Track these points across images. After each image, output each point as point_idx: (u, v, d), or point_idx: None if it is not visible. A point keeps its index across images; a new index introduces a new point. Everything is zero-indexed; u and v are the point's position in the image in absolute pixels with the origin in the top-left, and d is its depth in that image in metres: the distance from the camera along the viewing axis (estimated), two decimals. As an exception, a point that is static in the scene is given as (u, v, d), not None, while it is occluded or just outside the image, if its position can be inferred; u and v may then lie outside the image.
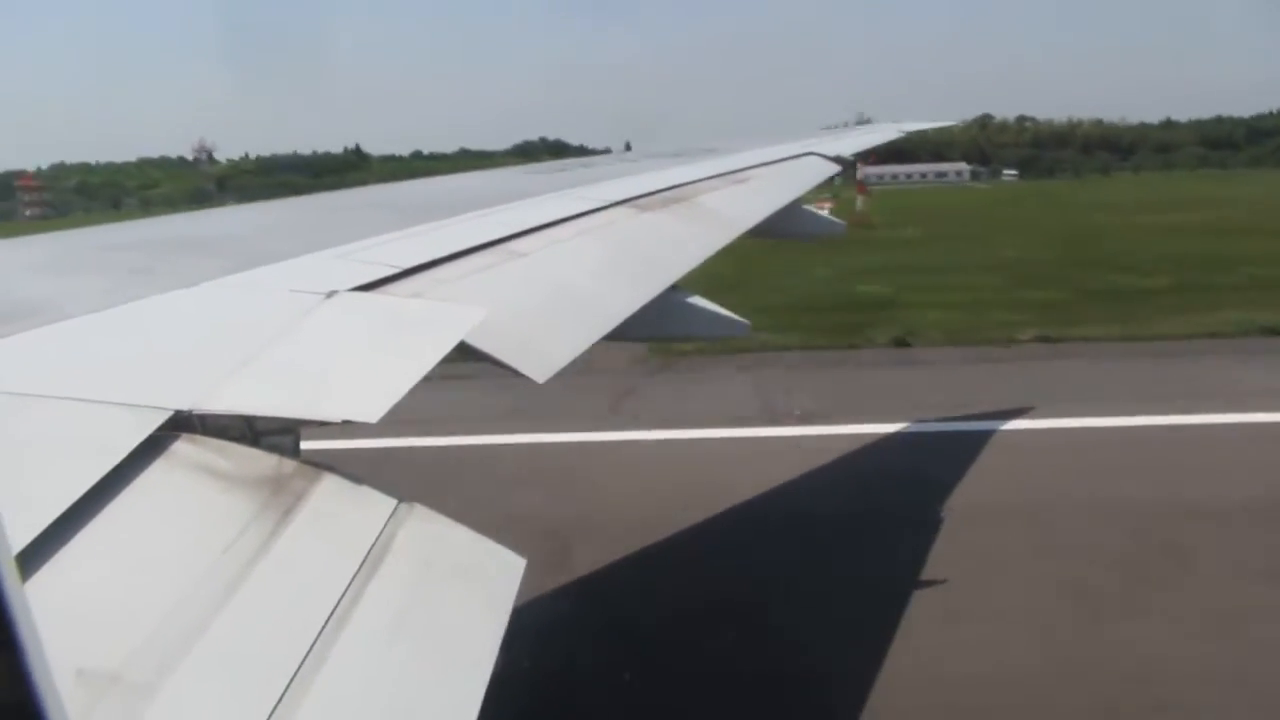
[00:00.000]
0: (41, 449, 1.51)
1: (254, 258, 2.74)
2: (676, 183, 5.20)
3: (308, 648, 1.37)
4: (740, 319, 4.41)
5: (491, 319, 2.55)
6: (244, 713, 1.25)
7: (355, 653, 1.41)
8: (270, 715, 1.24)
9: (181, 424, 1.66)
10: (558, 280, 3.26)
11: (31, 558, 1.25)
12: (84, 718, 1.12)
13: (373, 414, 1.81)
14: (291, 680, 1.31)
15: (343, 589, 1.50)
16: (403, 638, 1.51)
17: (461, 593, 1.70)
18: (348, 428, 1.79)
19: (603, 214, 4.19)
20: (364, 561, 1.57)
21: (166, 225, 3.97)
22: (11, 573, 0.76)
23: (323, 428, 1.79)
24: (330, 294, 2.40)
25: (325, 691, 1.32)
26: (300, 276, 2.57)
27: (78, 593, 1.28)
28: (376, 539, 1.62)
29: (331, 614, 1.44)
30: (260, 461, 1.67)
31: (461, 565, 1.74)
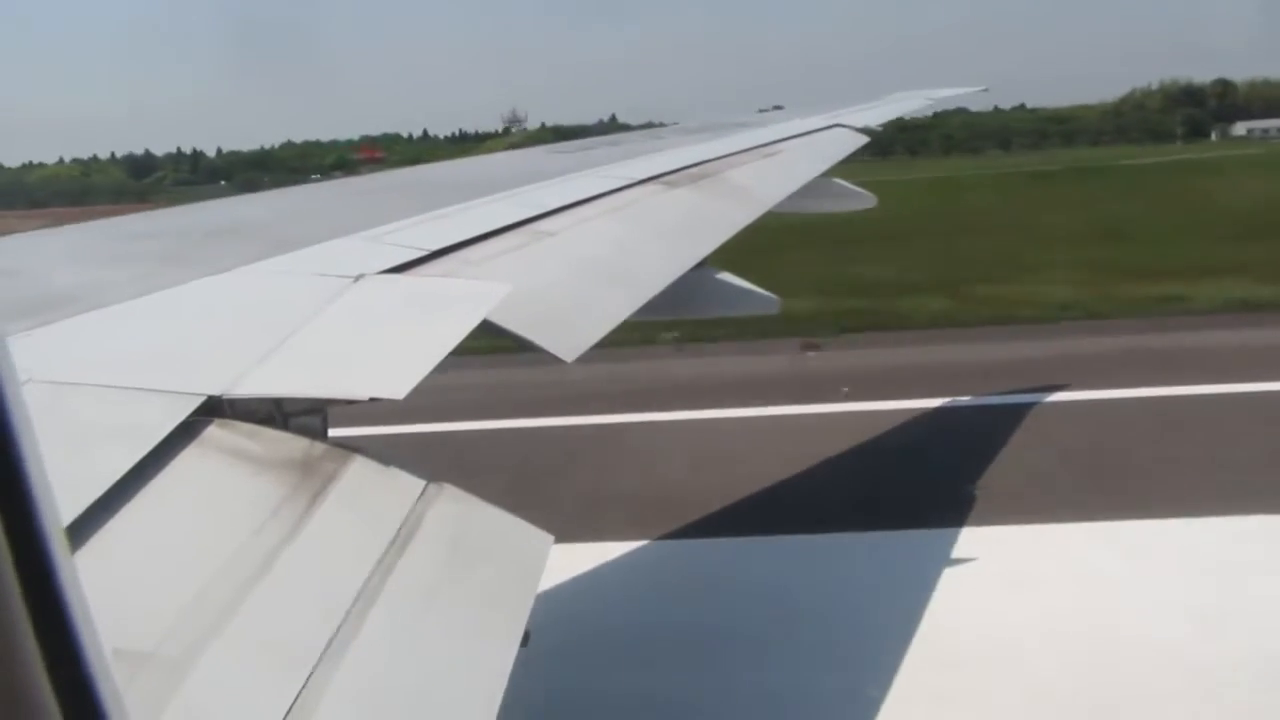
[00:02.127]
0: (78, 436, 1.54)
1: (284, 243, 2.76)
2: (703, 158, 5.16)
3: (338, 625, 1.39)
4: (769, 294, 4.38)
5: (518, 298, 2.55)
6: (276, 690, 1.27)
7: (385, 630, 1.43)
8: (300, 692, 1.26)
9: (214, 409, 1.69)
10: (585, 259, 3.26)
11: (69, 541, 1.28)
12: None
13: (399, 390, 1.82)
14: (321, 657, 1.33)
15: (372, 568, 1.52)
16: (431, 615, 1.53)
17: (490, 571, 1.72)
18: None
19: (630, 192, 4.18)
20: (393, 541, 1.59)
21: (198, 212, 4.02)
22: (65, 556, 0.77)
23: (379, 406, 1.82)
24: (359, 277, 2.42)
25: (355, 668, 1.34)
26: (329, 261, 2.59)
27: (114, 574, 1.31)
28: (406, 519, 1.64)
29: (361, 592, 1.46)
30: (290, 445, 1.69)
31: (490, 544, 1.76)
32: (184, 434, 1.58)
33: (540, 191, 3.99)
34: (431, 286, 2.51)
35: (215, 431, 1.64)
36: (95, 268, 2.60)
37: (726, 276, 4.18)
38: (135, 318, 2.08)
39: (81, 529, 1.31)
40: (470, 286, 2.55)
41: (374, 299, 2.34)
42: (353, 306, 2.25)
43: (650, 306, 3.05)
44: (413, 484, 1.74)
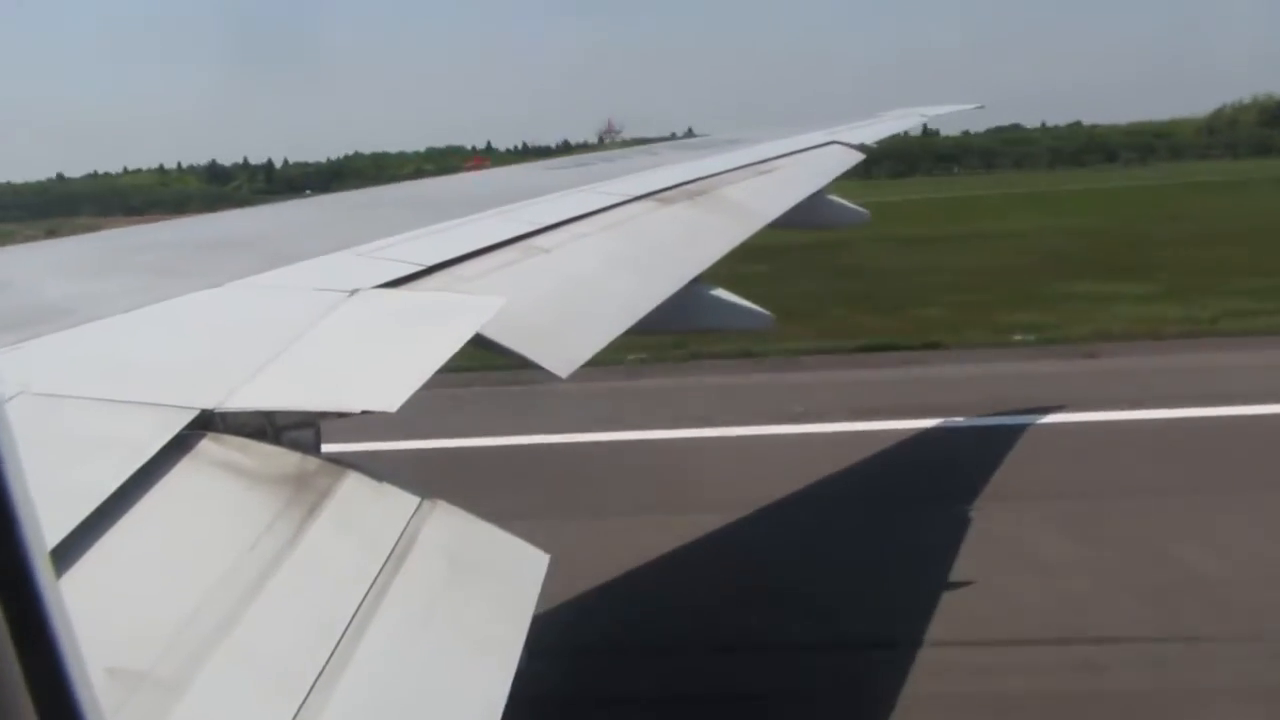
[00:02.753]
0: (70, 449, 1.54)
1: (278, 257, 2.77)
2: (699, 175, 5.18)
3: (334, 644, 1.38)
4: (763, 311, 4.39)
5: (513, 314, 2.55)
6: (271, 710, 1.26)
7: (380, 648, 1.42)
8: (297, 712, 1.25)
9: (208, 423, 1.68)
10: (580, 276, 3.26)
11: (60, 557, 1.27)
12: (114, 716, 1.14)
13: (391, 404, 1.82)
14: (318, 677, 1.32)
15: (368, 585, 1.51)
16: (428, 633, 1.52)
17: (486, 588, 1.71)
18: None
19: (625, 209, 4.19)
20: (388, 558, 1.58)
21: (194, 226, 4.02)
22: (48, 575, 0.77)
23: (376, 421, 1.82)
24: (353, 292, 2.42)
25: (351, 688, 1.33)
26: (323, 275, 2.59)
27: (106, 591, 1.30)
28: (400, 535, 1.63)
29: (357, 610, 1.45)
30: (284, 459, 1.68)
31: (485, 561, 1.75)
32: (177, 448, 1.57)
33: (536, 207, 4.00)
34: (425, 300, 2.52)
35: (208, 445, 1.63)
36: (89, 280, 2.60)
37: (721, 292, 4.19)
38: (128, 331, 2.07)
39: (73, 544, 1.30)
40: (463, 300, 2.56)
41: (367, 313, 2.34)
42: (346, 321, 2.25)
43: (645, 322, 3.06)
44: (407, 500, 1.73)
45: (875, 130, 8.58)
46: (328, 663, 1.34)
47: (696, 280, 3.78)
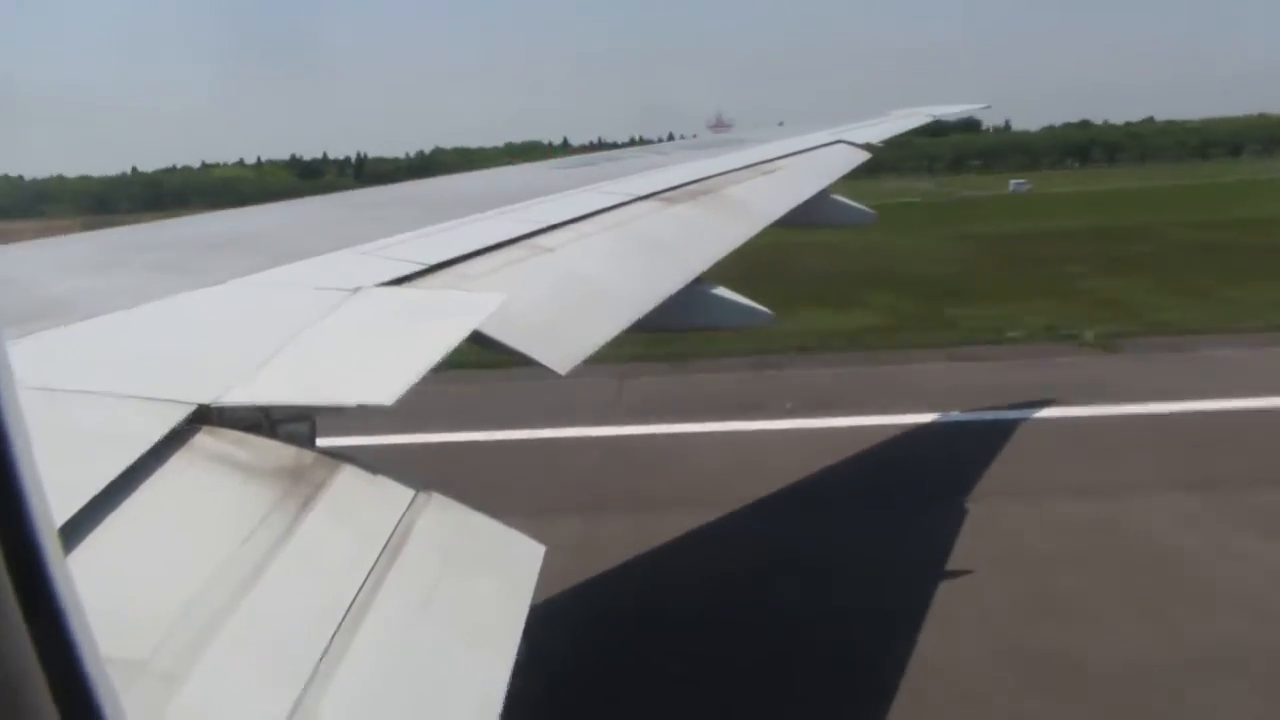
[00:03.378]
0: (67, 443, 1.55)
1: (281, 255, 2.78)
2: (704, 175, 5.19)
3: (330, 636, 1.38)
4: (764, 309, 4.39)
5: (513, 312, 2.56)
6: (268, 700, 1.27)
7: (377, 641, 1.42)
8: (295, 703, 1.26)
9: (205, 417, 1.70)
10: (582, 274, 3.27)
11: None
12: None
13: (386, 398, 1.83)
14: (315, 669, 1.32)
15: (363, 577, 1.51)
16: (424, 625, 1.52)
17: (482, 580, 1.71)
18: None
19: (630, 208, 4.20)
20: (384, 550, 1.58)
21: (196, 224, 4.04)
22: (59, 559, 0.78)
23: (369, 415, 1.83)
24: (355, 290, 2.43)
25: (348, 679, 1.33)
26: (326, 274, 2.61)
27: (102, 583, 1.30)
28: (396, 527, 1.64)
29: (353, 602, 1.46)
30: (279, 453, 1.69)
31: (481, 553, 1.75)
32: (173, 442, 1.59)
33: (541, 207, 4.01)
34: (424, 297, 2.52)
35: (204, 439, 1.64)
36: (91, 277, 2.62)
37: (722, 291, 4.19)
38: (129, 327, 2.09)
39: (69, 535, 1.31)
40: (463, 297, 2.56)
41: (367, 311, 2.35)
42: (345, 318, 2.26)
43: (646, 320, 3.06)
44: (402, 492, 1.74)
45: (881, 130, 8.57)
46: (324, 655, 1.35)
47: (698, 279, 3.78)
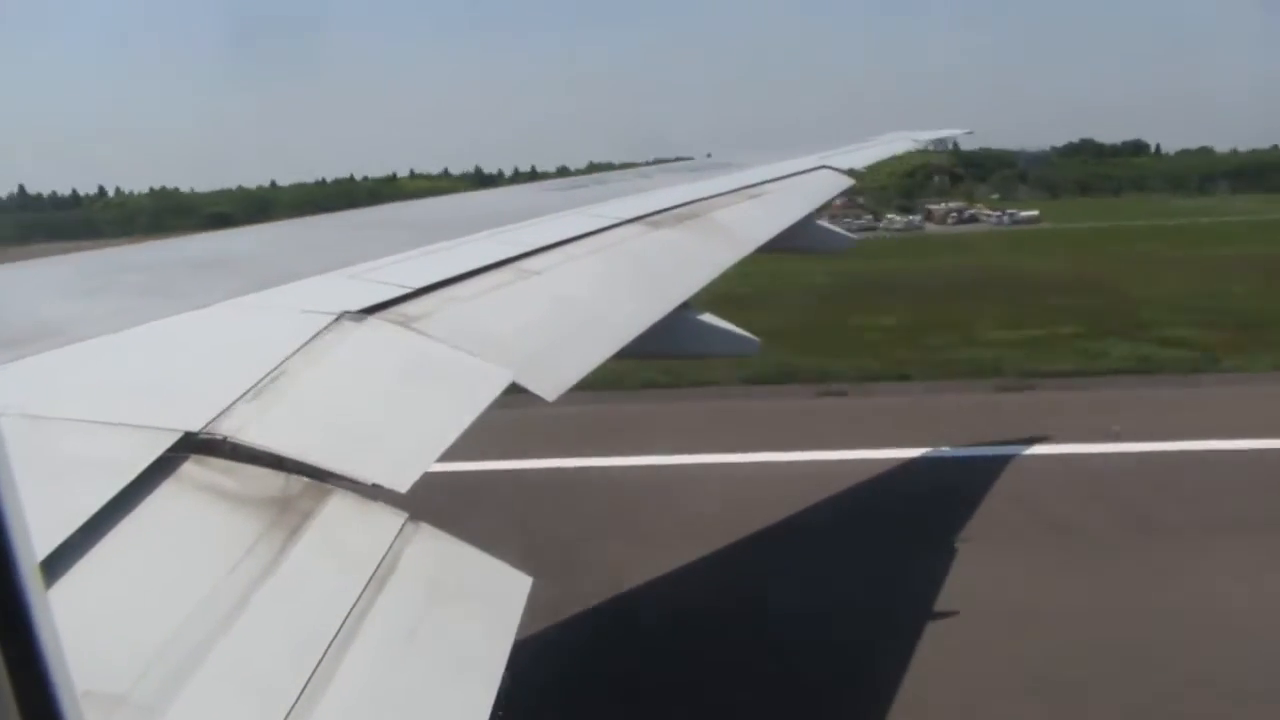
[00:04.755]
0: (53, 470, 1.54)
1: (267, 278, 2.77)
2: (689, 199, 5.21)
3: (314, 667, 1.38)
4: (751, 336, 4.41)
5: (500, 337, 2.57)
6: None
7: (361, 671, 1.42)
8: None
9: (192, 445, 1.69)
10: (569, 299, 3.28)
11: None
12: None
13: (402, 484, 1.79)
14: (297, 700, 1.32)
15: (348, 608, 1.51)
16: (409, 656, 1.52)
17: (468, 611, 1.71)
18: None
19: (615, 231, 4.21)
20: (370, 579, 1.58)
21: (182, 246, 4.02)
22: (39, 592, 0.78)
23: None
24: (341, 315, 2.43)
25: (332, 711, 1.33)
26: (312, 297, 2.60)
27: (85, 613, 1.29)
28: (384, 557, 1.64)
29: (337, 633, 1.46)
30: (267, 481, 1.69)
31: (468, 584, 1.75)
32: (160, 470, 1.58)
33: (527, 229, 4.02)
34: (436, 355, 2.45)
35: (191, 467, 1.63)
36: (76, 301, 2.60)
37: (708, 317, 4.21)
38: (114, 352, 2.08)
39: (53, 565, 1.30)
40: (478, 365, 2.46)
41: (375, 354, 2.32)
42: (351, 357, 2.24)
43: (633, 347, 3.07)
44: (390, 522, 1.73)
45: (865, 155, 8.65)
46: (307, 685, 1.34)
47: (685, 305, 3.80)
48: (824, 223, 6.80)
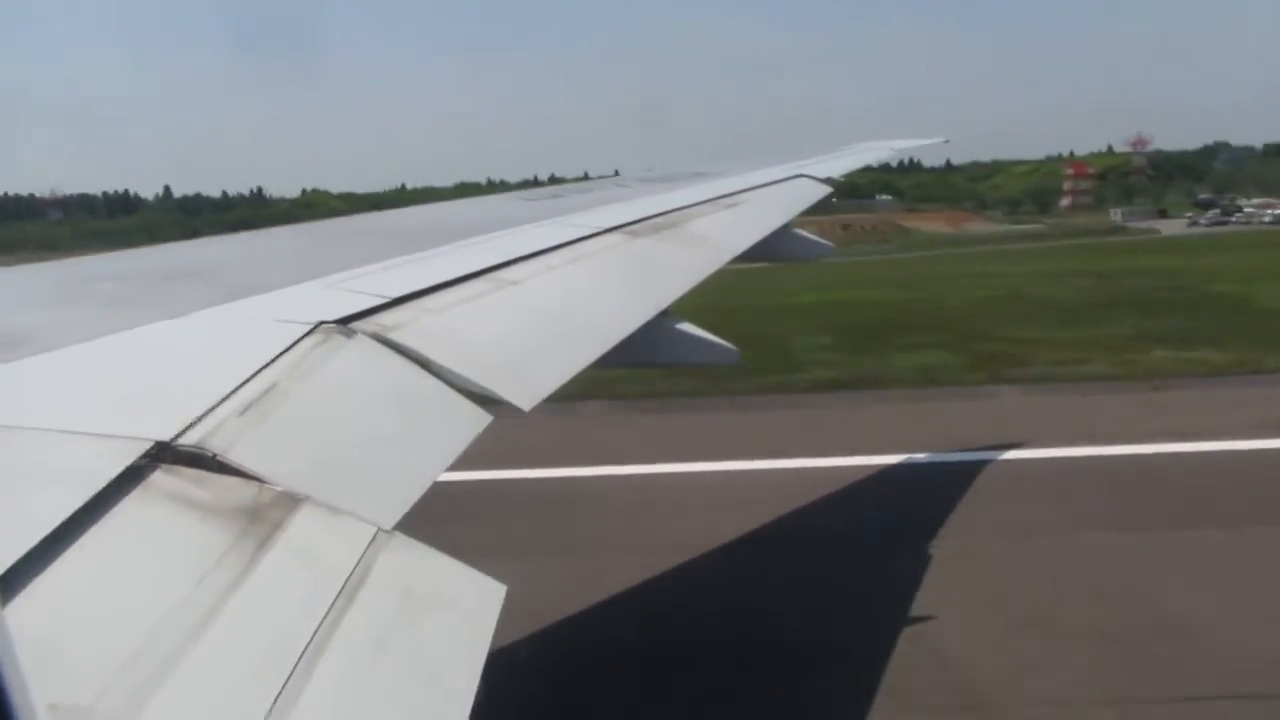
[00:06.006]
0: (18, 480, 1.52)
1: (243, 288, 2.76)
2: (667, 208, 5.23)
3: (285, 679, 1.37)
4: (730, 346, 4.43)
5: (477, 346, 2.56)
6: None
7: (334, 683, 1.41)
8: None
9: (163, 455, 1.67)
10: (546, 308, 3.28)
11: (3, 589, 1.26)
12: None
13: (386, 520, 1.78)
14: (269, 713, 1.30)
15: (320, 618, 1.50)
16: (382, 667, 1.51)
17: (441, 620, 1.70)
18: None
19: (594, 241, 4.22)
20: (342, 590, 1.57)
21: (156, 255, 3.99)
22: None
23: None
24: (318, 324, 2.42)
25: None
26: (287, 306, 2.59)
27: (50, 625, 1.28)
28: (355, 567, 1.63)
29: (309, 643, 1.44)
30: (238, 491, 1.67)
31: (441, 593, 1.74)
32: (129, 480, 1.56)
33: (506, 239, 4.02)
34: (420, 385, 2.39)
35: (161, 477, 1.62)
36: (46, 310, 2.58)
37: (687, 326, 4.22)
38: (84, 361, 2.06)
39: (17, 576, 1.28)
40: (459, 401, 2.38)
41: (345, 364, 2.30)
42: (318, 361, 2.23)
43: (610, 356, 3.07)
44: (362, 531, 1.72)
45: (842, 164, 8.71)
46: (278, 698, 1.33)
47: (664, 314, 3.81)
48: (802, 231, 6.84)
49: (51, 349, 2.07)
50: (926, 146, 13.21)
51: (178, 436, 1.71)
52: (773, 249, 5.89)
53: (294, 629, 1.45)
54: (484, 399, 2.42)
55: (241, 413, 1.88)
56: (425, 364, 2.41)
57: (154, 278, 3.17)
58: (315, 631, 1.46)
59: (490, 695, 1.60)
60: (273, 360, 2.16)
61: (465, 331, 2.77)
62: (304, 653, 1.41)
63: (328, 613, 1.51)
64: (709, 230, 5.04)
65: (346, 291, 2.81)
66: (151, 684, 1.25)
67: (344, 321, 2.49)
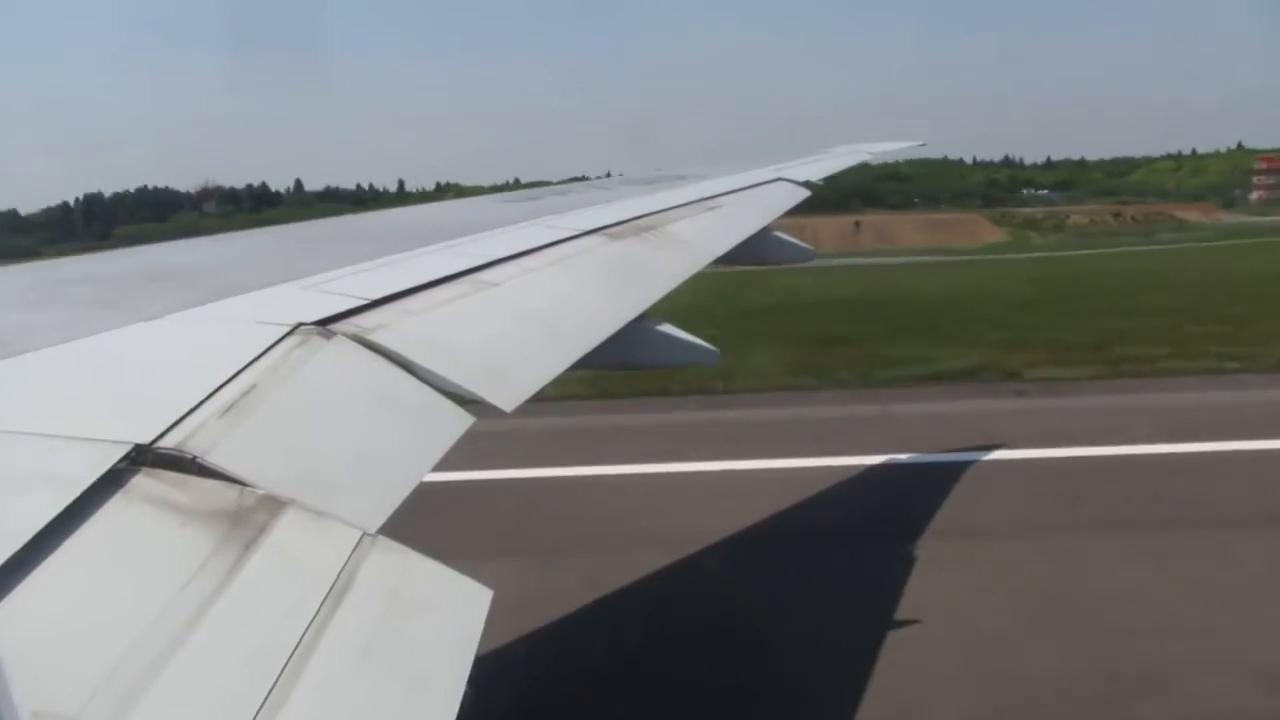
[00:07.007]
0: None
1: (222, 289, 2.73)
2: (647, 211, 5.24)
3: (270, 685, 1.36)
4: (710, 347, 4.44)
5: (457, 348, 2.55)
6: None
7: (319, 689, 1.40)
8: None
9: (142, 458, 1.65)
10: (526, 310, 3.27)
11: None
12: None
13: (370, 523, 1.76)
14: (254, 718, 1.29)
15: (306, 623, 1.49)
16: (367, 672, 1.50)
17: (427, 625, 1.69)
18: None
19: (574, 243, 4.22)
20: (327, 594, 1.56)
21: (134, 256, 3.95)
22: None
23: None
24: (297, 326, 2.40)
25: None
26: (265, 308, 2.57)
27: (33, 632, 1.26)
28: (340, 571, 1.61)
29: (294, 649, 1.43)
30: (221, 494, 1.66)
31: (427, 597, 1.73)
32: (109, 484, 1.54)
33: (486, 241, 4.01)
34: (400, 387, 2.37)
35: (142, 481, 1.60)
36: (20, 313, 2.54)
37: (667, 328, 4.23)
38: (61, 363, 2.03)
39: None
40: (443, 404, 2.35)
41: (325, 366, 2.28)
42: (297, 363, 2.21)
43: (591, 358, 3.07)
44: (347, 535, 1.71)
45: (821, 167, 8.74)
46: (263, 704, 1.32)
47: (643, 315, 3.81)
48: (781, 234, 6.86)
49: (26, 351, 2.04)
50: (904, 150, 13.28)
51: (157, 439, 1.69)
52: (753, 252, 5.91)
53: (279, 634, 1.44)
54: (465, 400, 2.41)
55: (221, 415, 1.87)
56: (406, 365, 2.40)
57: (131, 280, 3.14)
58: (301, 637, 1.45)
59: (478, 700, 1.60)
60: (252, 362, 2.14)
61: (446, 333, 2.76)
62: (290, 658, 1.40)
63: (313, 618, 1.49)
64: (689, 233, 5.05)
65: (325, 293, 2.80)
66: (136, 690, 1.23)
67: (323, 323, 2.48)
